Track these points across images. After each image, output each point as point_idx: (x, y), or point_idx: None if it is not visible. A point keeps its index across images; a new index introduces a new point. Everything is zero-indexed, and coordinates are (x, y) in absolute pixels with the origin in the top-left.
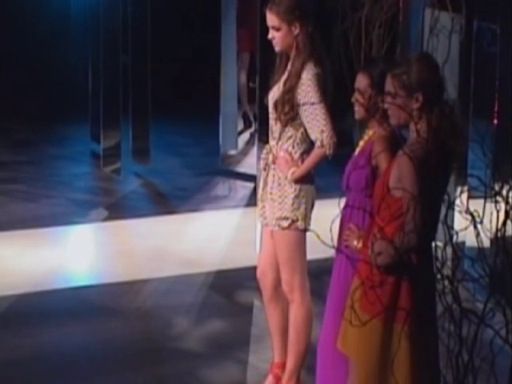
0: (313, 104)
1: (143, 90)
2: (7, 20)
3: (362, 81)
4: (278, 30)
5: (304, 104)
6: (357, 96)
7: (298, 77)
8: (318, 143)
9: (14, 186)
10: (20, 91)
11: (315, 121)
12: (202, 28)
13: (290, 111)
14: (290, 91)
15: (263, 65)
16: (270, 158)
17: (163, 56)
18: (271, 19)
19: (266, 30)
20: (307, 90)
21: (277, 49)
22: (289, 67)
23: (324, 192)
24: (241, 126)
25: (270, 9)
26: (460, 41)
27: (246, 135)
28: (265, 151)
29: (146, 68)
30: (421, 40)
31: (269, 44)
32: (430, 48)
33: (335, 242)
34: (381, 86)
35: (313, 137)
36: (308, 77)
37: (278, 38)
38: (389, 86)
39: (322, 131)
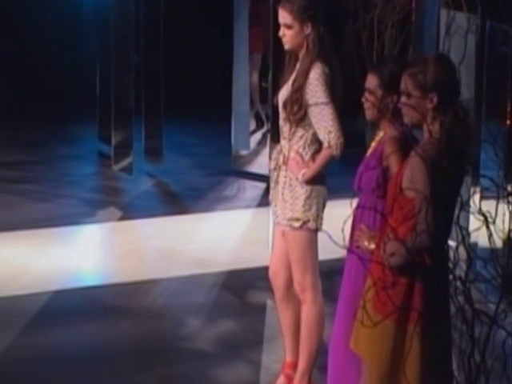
0: (321, 104)
1: (156, 89)
2: (18, 19)
3: (371, 81)
4: (289, 28)
5: (312, 104)
6: (367, 96)
7: (306, 76)
8: (325, 144)
9: (24, 185)
10: (30, 91)
11: (323, 121)
12: (215, 28)
13: (299, 111)
14: (298, 91)
15: (276, 65)
16: (281, 158)
17: (175, 56)
18: (284, 17)
19: (278, 30)
20: (315, 90)
21: (286, 47)
22: (297, 67)
23: (336, 192)
24: (253, 126)
25: (283, 6)
26: (476, 41)
27: (257, 135)
28: (275, 151)
29: (158, 68)
30: (435, 40)
31: (281, 44)
32: (446, 48)
33: (347, 243)
34: (391, 86)
35: (321, 137)
36: (316, 76)
37: (288, 36)
38: (404, 84)
39: (330, 132)
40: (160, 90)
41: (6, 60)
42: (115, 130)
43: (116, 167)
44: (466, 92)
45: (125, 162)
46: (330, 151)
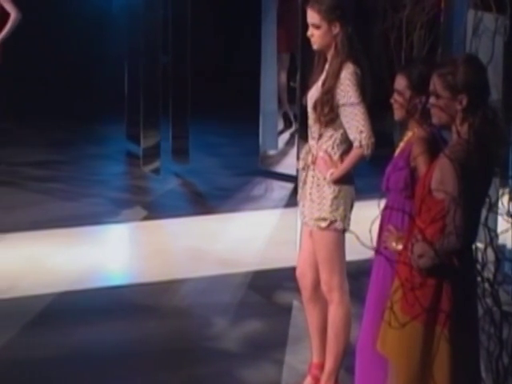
0: (352, 104)
1: (183, 89)
2: (46, 18)
3: (400, 82)
4: (317, 27)
5: (343, 104)
6: (395, 97)
7: (337, 77)
8: (356, 143)
9: (52, 184)
10: (58, 91)
11: (354, 121)
12: (243, 27)
13: (330, 112)
14: (328, 92)
15: (304, 65)
16: (310, 158)
17: (203, 56)
18: (312, 16)
19: (307, 30)
20: (346, 90)
21: (315, 47)
22: (327, 67)
23: (364, 193)
24: (281, 126)
25: (311, 6)
26: (504, 42)
27: (285, 135)
28: (304, 151)
29: (185, 68)
30: (463, 41)
31: (310, 44)
32: (473, 49)
33: (374, 243)
34: (419, 87)
35: (351, 137)
36: (347, 76)
37: (316, 36)
38: (433, 85)
39: (361, 131)
40: (187, 90)
41: (34, 60)
42: (144, 131)
43: (145, 168)
44: (494, 93)
45: (153, 162)
46: (360, 151)
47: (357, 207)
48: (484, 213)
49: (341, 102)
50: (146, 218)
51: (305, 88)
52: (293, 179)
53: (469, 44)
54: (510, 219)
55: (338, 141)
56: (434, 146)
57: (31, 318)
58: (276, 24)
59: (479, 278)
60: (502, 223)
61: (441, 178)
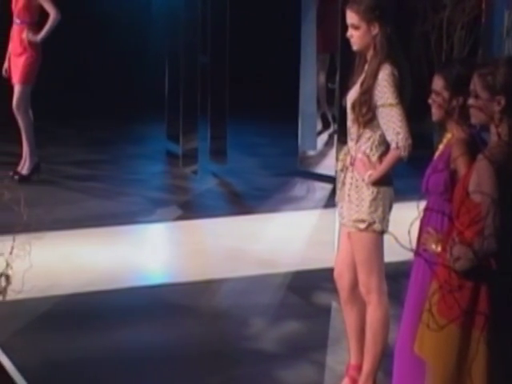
0: (389, 105)
1: (221, 90)
2: (86, 18)
3: (438, 83)
4: (356, 28)
5: (380, 105)
6: (433, 97)
7: (375, 77)
8: (393, 145)
9: (91, 183)
10: (99, 90)
11: (391, 122)
12: (282, 27)
13: (368, 113)
14: (366, 92)
15: (343, 66)
16: (348, 159)
17: (241, 56)
18: (351, 17)
19: (346, 30)
20: (383, 91)
21: (354, 48)
22: (366, 68)
23: (403, 194)
24: (319, 126)
25: (350, 7)
26: None
27: (324, 136)
28: (342, 153)
29: (224, 68)
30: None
31: (349, 45)
32: (506, 50)
33: (414, 245)
34: (457, 87)
35: (388, 138)
36: (384, 77)
37: (356, 36)
38: (473, 85)
39: (398, 133)
40: (225, 90)
41: (74, 60)
42: (183, 131)
43: (186, 169)
44: None
45: (192, 163)
46: (397, 152)
47: (396, 208)
48: None
49: (378, 103)
50: (184, 218)
51: (344, 89)
52: (332, 180)
53: (502, 45)
54: None
55: (376, 142)
56: (473, 147)
57: (69, 316)
58: (316, 24)
59: None
60: None
61: (478, 180)
